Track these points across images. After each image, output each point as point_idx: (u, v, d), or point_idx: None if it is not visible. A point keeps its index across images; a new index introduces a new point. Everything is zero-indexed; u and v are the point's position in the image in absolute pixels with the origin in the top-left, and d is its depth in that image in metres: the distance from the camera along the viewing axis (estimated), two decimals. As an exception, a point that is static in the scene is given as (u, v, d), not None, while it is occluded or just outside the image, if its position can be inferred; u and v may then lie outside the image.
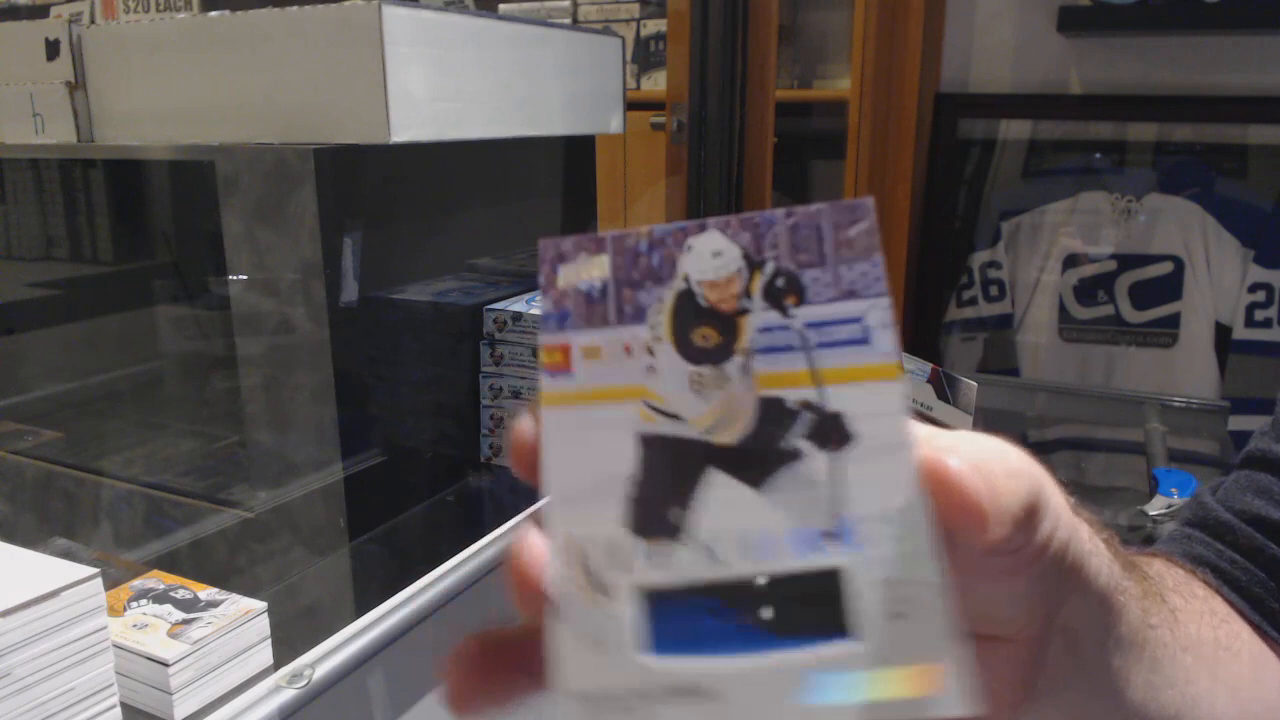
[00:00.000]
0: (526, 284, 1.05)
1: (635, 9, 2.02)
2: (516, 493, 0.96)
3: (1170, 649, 0.32)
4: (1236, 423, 1.43)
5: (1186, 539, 0.46)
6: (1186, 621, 0.35)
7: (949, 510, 0.21)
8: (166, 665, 0.56)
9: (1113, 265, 1.79)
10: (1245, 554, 0.43)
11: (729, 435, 0.22)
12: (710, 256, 0.22)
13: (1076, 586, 0.27)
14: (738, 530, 0.21)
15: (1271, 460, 0.46)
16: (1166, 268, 1.76)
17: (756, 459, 0.21)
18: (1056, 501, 0.25)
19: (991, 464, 0.22)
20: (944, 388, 1.08)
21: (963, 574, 0.23)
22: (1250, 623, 0.42)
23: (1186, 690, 0.33)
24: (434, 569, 0.77)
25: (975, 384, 1.06)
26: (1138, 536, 1.05)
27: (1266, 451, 0.46)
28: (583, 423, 0.22)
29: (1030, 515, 0.23)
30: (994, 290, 1.88)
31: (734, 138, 1.53)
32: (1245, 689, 0.38)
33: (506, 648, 0.23)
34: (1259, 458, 0.46)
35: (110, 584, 0.58)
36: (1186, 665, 0.34)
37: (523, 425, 0.22)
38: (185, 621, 0.60)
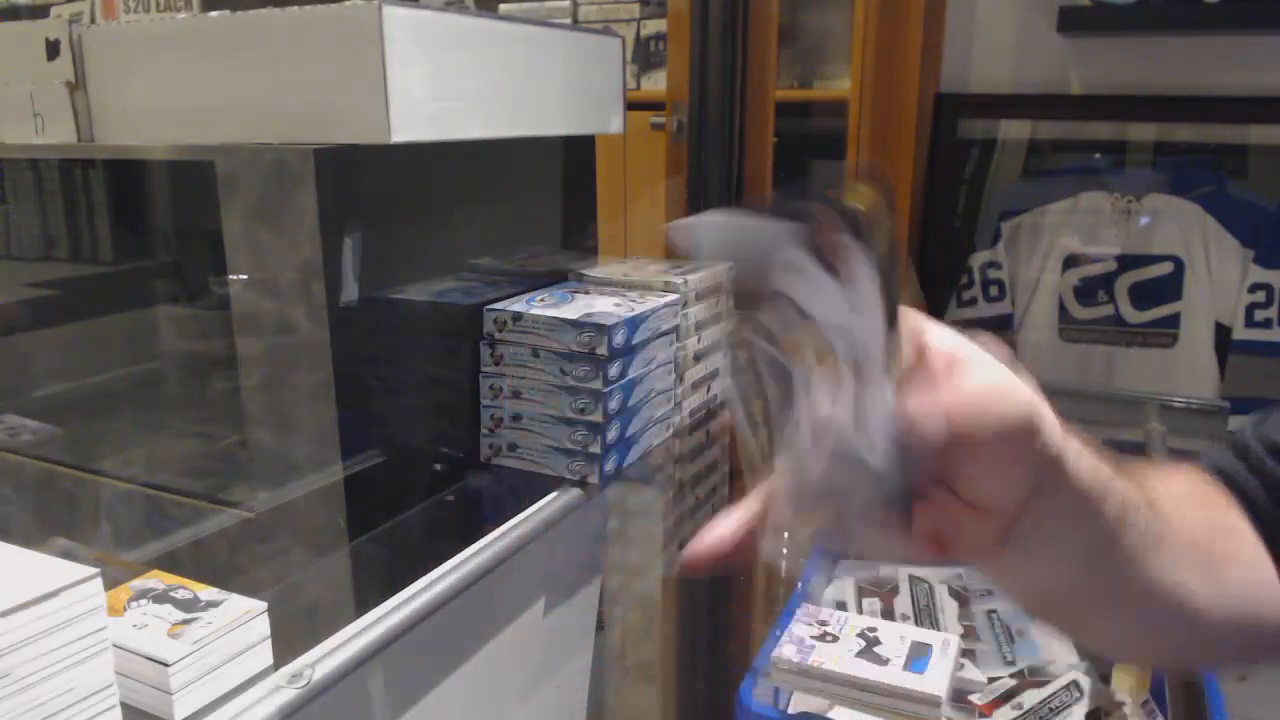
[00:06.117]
0: (526, 284, 1.05)
1: (635, 9, 2.02)
2: (516, 493, 0.96)
3: (1146, 538, 0.42)
4: (1236, 423, 1.43)
5: (1220, 454, 0.55)
6: (1176, 519, 0.44)
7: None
8: (166, 665, 0.56)
9: (1113, 265, 1.79)
10: (1256, 473, 0.53)
11: None
12: None
13: (1057, 485, 0.37)
14: None
15: None
16: (1166, 268, 1.76)
17: None
18: (1049, 420, 0.36)
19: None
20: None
21: (971, 467, 0.35)
22: (1257, 531, 0.51)
23: (1168, 574, 0.43)
24: (434, 569, 0.77)
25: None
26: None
27: None
28: None
29: (1031, 428, 0.35)
30: (994, 290, 1.87)
31: (734, 138, 1.53)
32: (1234, 572, 0.47)
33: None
34: None
35: (110, 584, 0.58)
36: (1164, 555, 0.43)
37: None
38: (185, 621, 0.60)
